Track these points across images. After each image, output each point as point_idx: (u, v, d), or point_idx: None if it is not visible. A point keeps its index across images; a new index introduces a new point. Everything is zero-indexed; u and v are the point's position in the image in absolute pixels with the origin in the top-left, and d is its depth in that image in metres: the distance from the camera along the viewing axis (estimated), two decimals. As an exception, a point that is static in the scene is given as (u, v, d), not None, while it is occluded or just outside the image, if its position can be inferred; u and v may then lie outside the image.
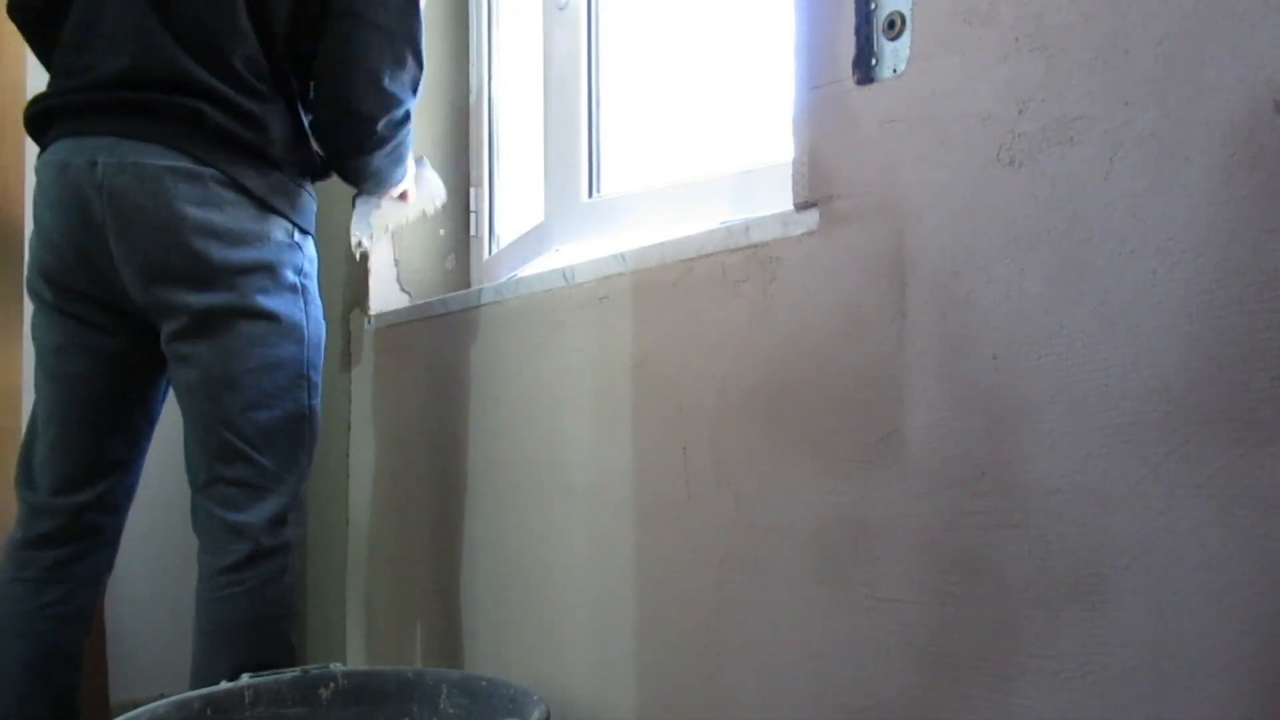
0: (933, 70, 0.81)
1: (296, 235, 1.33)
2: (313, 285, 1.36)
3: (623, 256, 1.13)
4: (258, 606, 1.28)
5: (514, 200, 1.84)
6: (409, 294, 1.82)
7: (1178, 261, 0.66)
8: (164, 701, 1.12)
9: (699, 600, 1.02)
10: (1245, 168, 0.63)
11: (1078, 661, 0.71)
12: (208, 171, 1.23)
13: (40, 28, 1.33)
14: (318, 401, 1.35)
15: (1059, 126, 0.73)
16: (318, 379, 1.35)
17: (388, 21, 1.28)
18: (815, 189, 0.90)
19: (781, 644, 0.93)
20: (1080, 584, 0.71)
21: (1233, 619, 0.64)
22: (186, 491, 1.34)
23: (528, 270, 1.58)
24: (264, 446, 1.29)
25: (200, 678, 1.26)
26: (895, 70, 0.85)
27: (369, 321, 1.78)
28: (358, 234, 1.52)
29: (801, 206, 0.92)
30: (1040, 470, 0.73)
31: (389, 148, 1.35)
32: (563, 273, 1.23)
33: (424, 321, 1.60)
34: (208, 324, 1.25)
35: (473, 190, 1.89)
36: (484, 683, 1.19)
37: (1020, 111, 0.75)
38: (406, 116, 1.35)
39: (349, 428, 1.84)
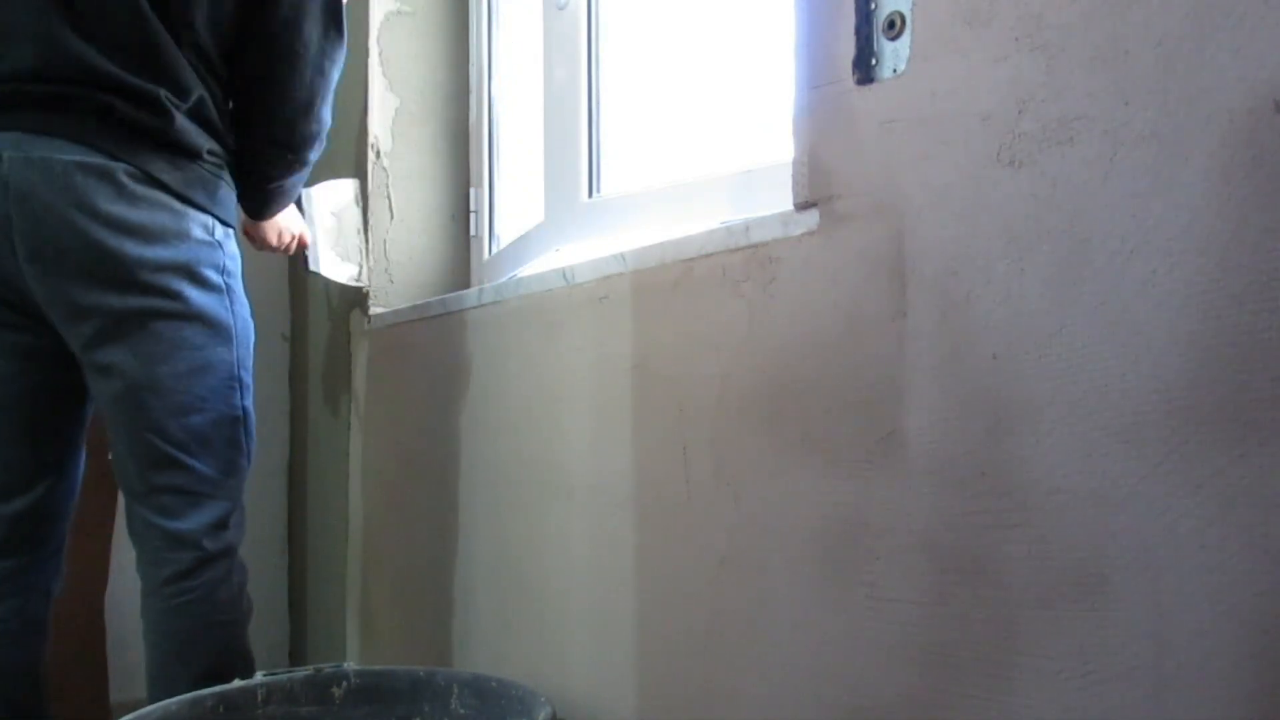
0: (933, 70, 0.81)
1: (218, 231, 1.27)
2: (237, 284, 1.31)
3: (623, 256, 1.13)
4: (211, 613, 1.25)
5: (514, 200, 1.84)
6: (408, 295, 1.82)
7: (1178, 261, 0.66)
8: (176, 699, 1.12)
9: (699, 600, 1.02)
10: (1245, 168, 0.63)
11: (1078, 661, 0.71)
12: (120, 166, 1.18)
13: None
14: (249, 402, 1.32)
15: (1059, 126, 0.73)
16: (249, 379, 1.31)
17: (313, 54, 1.30)
18: (815, 189, 0.90)
19: (781, 644, 0.93)
20: (1080, 584, 0.71)
21: (1233, 619, 0.63)
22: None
23: (528, 270, 1.58)
24: (199, 451, 1.25)
25: (159, 690, 1.23)
26: (895, 70, 0.85)
27: (369, 321, 1.78)
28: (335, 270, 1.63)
29: (801, 206, 0.92)
30: (1040, 470, 0.73)
31: (304, 174, 1.41)
32: (563, 273, 1.23)
33: (424, 321, 1.60)
34: (125, 328, 1.20)
35: (473, 190, 1.89)
36: (494, 683, 1.19)
37: (1020, 111, 0.75)
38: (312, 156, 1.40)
39: (349, 428, 1.84)
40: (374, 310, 1.79)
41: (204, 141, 1.25)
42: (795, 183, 0.92)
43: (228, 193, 1.31)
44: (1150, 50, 0.68)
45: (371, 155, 1.81)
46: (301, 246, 1.64)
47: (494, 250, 1.83)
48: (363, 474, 1.81)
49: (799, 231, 0.92)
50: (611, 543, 1.14)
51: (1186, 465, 0.66)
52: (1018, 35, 0.75)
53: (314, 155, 1.37)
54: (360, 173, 1.83)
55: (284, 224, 1.55)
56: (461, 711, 1.21)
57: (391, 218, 1.82)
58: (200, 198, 1.24)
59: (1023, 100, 0.75)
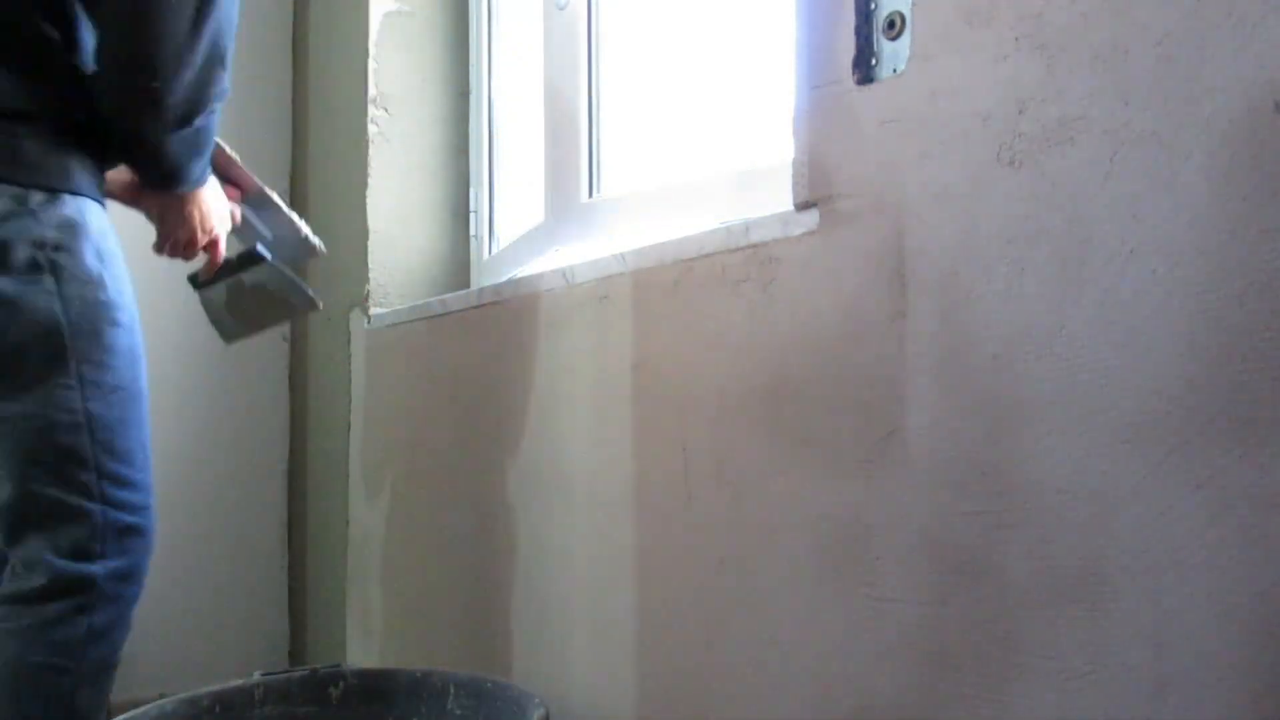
0: (933, 70, 0.81)
1: (33, 199, 1.02)
2: (72, 258, 1.04)
3: (623, 256, 1.13)
4: (29, 651, 1.02)
5: (514, 200, 1.84)
6: (408, 295, 1.82)
7: (1178, 261, 0.66)
8: (172, 699, 1.12)
9: (699, 600, 1.02)
10: (1245, 168, 0.63)
11: (1078, 661, 0.71)
12: None
13: None
14: (102, 405, 1.05)
15: (1059, 126, 0.73)
16: (100, 375, 1.05)
17: None
18: (815, 189, 0.90)
19: (781, 644, 0.93)
20: (1080, 584, 0.71)
21: (1233, 619, 0.64)
22: (185, 494, 1.32)
23: (528, 270, 1.58)
24: (31, 470, 1.03)
25: None
26: (895, 70, 0.85)
27: (369, 321, 1.78)
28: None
29: (801, 206, 0.92)
30: (1040, 470, 0.73)
31: (187, 131, 1.05)
32: (563, 273, 1.23)
33: (424, 321, 1.60)
34: None
35: (473, 190, 1.89)
36: (489, 684, 1.19)
37: (1020, 111, 0.75)
38: (212, 96, 1.05)
39: (349, 428, 1.84)
40: (374, 310, 1.79)
41: (16, 92, 1.02)
42: (795, 183, 0.92)
43: (44, 149, 1.04)
44: (1150, 50, 0.68)
45: (372, 154, 1.81)
46: (212, 249, 1.21)
47: (494, 250, 1.83)
48: (363, 474, 1.81)
49: (799, 231, 0.92)
50: (611, 542, 1.14)
51: (1186, 465, 0.66)
52: (1018, 35, 0.75)
53: (187, 85, 1.01)
54: (361, 172, 1.83)
55: (205, 208, 1.15)
56: (458, 712, 1.21)
57: (392, 217, 1.82)
58: None
59: (1023, 100, 0.75)
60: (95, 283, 1.06)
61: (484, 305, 1.42)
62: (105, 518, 1.07)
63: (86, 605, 1.05)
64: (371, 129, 1.82)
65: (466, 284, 1.85)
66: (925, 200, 0.81)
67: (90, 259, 1.06)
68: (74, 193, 1.06)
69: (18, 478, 1.04)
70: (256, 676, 1.20)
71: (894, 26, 0.85)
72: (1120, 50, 0.70)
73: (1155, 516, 0.67)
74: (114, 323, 1.07)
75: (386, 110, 1.83)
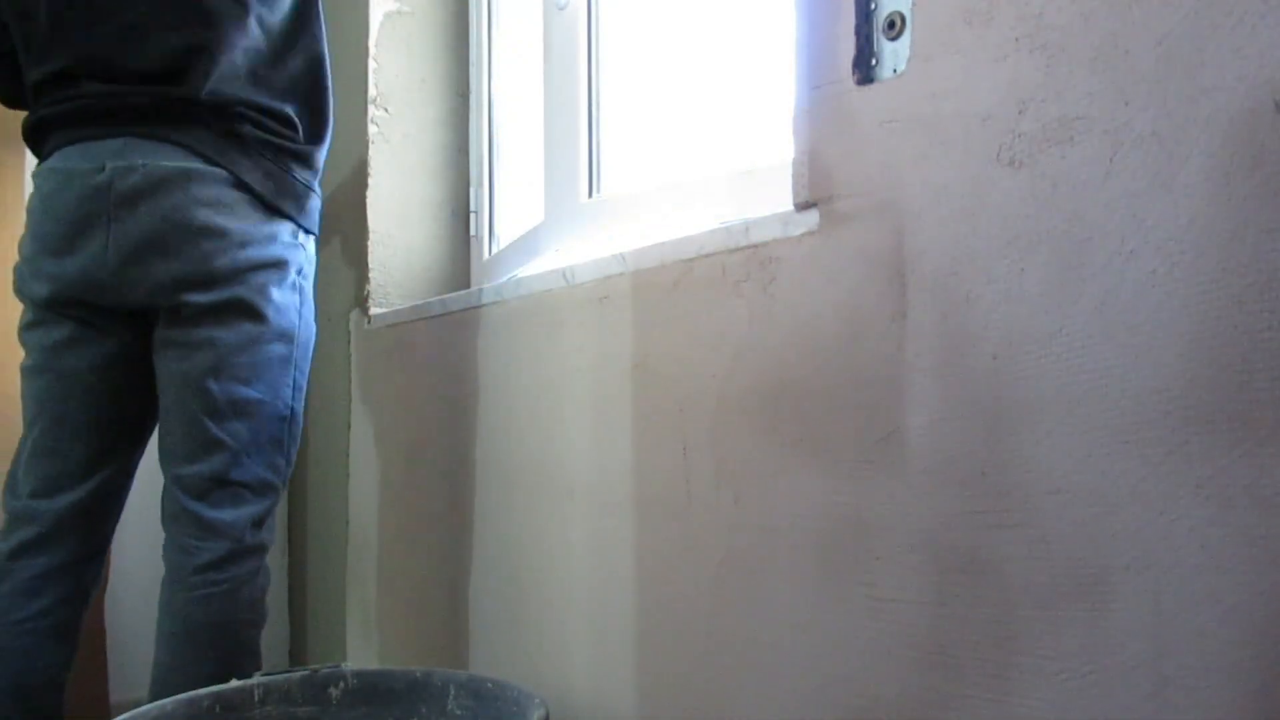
0: (933, 70, 0.81)
1: (300, 236, 1.33)
2: (309, 287, 1.36)
3: (623, 256, 1.13)
4: (233, 609, 1.27)
5: (514, 200, 1.84)
6: (408, 295, 1.82)
7: (1178, 261, 0.66)
8: (172, 699, 1.12)
9: (699, 600, 1.02)
10: (1245, 168, 0.63)
11: (1078, 661, 0.71)
12: (220, 173, 1.24)
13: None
14: (300, 405, 1.35)
15: (1059, 126, 0.73)
16: (303, 382, 1.35)
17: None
18: (815, 189, 0.90)
19: (781, 644, 0.93)
20: (1080, 584, 0.71)
21: (1233, 619, 0.64)
22: (186, 492, 1.33)
23: (528, 270, 1.58)
24: (247, 443, 1.28)
25: (168, 680, 1.23)
26: (895, 70, 0.85)
27: (369, 321, 1.78)
28: None
29: (801, 206, 0.92)
30: (1040, 470, 0.73)
31: None
32: (563, 273, 1.23)
33: (424, 321, 1.60)
34: (208, 318, 1.25)
35: (473, 190, 1.89)
36: (490, 684, 1.19)
37: (1020, 111, 0.75)
38: None
39: (349, 428, 1.84)
40: (374, 310, 1.79)
41: (303, 152, 1.33)
42: (795, 183, 0.92)
43: (315, 202, 1.37)
44: (1150, 50, 0.68)
45: (372, 154, 1.81)
46: None
47: (494, 250, 1.83)
48: (363, 474, 1.81)
49: (799, 231, 0.92)
50: (611, 543, 1.14)
51: (1186, 465, 0.66)
52: (1018, 35, 0.75)
53: None
54: (361, 172, 1.83)
55: None
56: (458, 713, 1.21)
57: (392, 217, 1.83)
58: (289, 206, 1.30)
59: (1023, 100, 0.75)
60: (313, 308, 1.37)
61: (484, 305, 1.42)
62: (279, 494, 1.34)
63: (259, 567, 1.30)
64: (371, 129, 1.82)
65: (466, 284, 1.85)
66: (925, 200, 0.81)
67: (312, 289, 1.37)
68: (316, 235, 1.38)
69: (233, 454, 1.26)
70: (256, 677, 1.20)
71: (894, 26, 0.85)
72: (1120, 50, 0.70)
73: (1155, 516, 0.67)
74: (313, 338, 1.38)
75: (386, 110, 1.84)
